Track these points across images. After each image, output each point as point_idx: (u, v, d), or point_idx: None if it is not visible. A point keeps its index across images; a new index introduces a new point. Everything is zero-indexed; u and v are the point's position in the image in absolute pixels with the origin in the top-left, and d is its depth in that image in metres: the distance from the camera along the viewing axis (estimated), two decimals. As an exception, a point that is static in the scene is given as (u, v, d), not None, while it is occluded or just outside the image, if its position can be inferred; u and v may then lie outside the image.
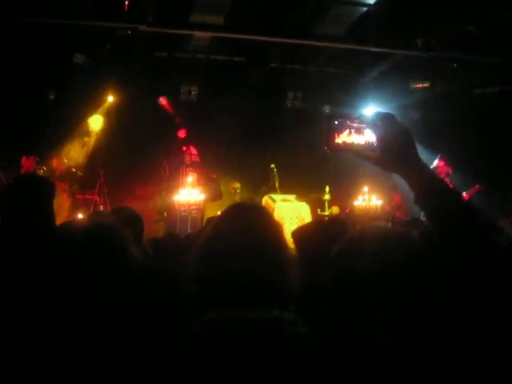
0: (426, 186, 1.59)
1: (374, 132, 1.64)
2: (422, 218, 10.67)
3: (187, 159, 11.93)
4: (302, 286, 2.18)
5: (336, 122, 1.68)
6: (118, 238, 1.66)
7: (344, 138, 1.67)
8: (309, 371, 0.96)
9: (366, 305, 1.50)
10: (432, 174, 1.62)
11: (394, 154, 1.61)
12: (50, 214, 2.57)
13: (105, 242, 1.61)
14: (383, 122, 1.63)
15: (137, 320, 1.67)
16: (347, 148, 1.68)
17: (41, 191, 2.65)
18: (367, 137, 1.67)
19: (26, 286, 1.62)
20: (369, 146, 1.66)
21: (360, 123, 1.67)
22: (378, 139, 1.63)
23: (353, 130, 1.67)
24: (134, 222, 3.33)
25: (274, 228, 2.19)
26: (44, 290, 1.54)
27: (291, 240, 3.99)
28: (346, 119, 1.69)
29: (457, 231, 1.53)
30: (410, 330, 1.49)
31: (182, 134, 12.81)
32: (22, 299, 1.61)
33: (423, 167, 1.61)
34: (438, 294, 1.59)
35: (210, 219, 3.51)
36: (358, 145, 1.67)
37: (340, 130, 1.67)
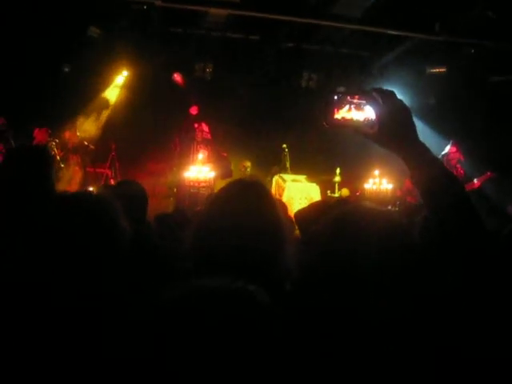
0: (422, 166, 1.58)
1: (373, 108, 1.63)
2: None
3: (198, 136, 11.91)
4: (300, 266, 2.19)
5: (336, 98, 1.67)
6: (107, 208, 1.67)
7: (343, 113, 1.66)
8: (264, 342, 0.96)
9: (353, 284, 1.50)
10: (429, 155, 1.61)
11: (392, 131, 1.60)
12: (48, 183, 2.60)
13: (91, 212, 1.62)
14: (383, 99, 1.62)
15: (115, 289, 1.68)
16: (346, 124, 1.66)
17: (36, 161, 2.67)
18: (367, 113, 1.65)
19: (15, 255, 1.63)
20: (368, 122, 1.65)
21: (360, 99, 1.66)
22: (377, 115, 1.62)
23: (353, 106, 1.66)
24: (137, 195, 3.33)
25: (271, 205, 2.19)
26: (29, 259, 1.56)
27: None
28: (345, 95, 1.68)
29: (449, 213, 1.54)
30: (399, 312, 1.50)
31: (194, 110, 12.78)
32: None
33: (420, 147, 1.60)
34: (427, 278, 1.59)
35: (211, 196, 3.52)
36: (357, 121, 1.66)
37: (339, 106, 1.66)
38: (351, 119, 1.66)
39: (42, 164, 2.66)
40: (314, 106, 12.99)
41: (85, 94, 12.17)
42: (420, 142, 1.61)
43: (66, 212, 1.60)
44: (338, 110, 1.67)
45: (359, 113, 1.67)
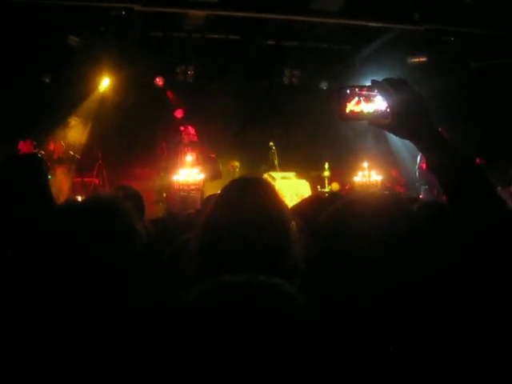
0: (437, 151, 1.57)
1: (386, 99, 1.61)
2: (422, 192, 10.72)
3: (185, 139, 11.83)
4: (306, 259, 2.18)
5: (347, 91, 1.66)
6: (121, 211, 1.63)
7: (352, 106, 1.65)
8: (301, 334, 0.94)
9: (360, 274, 1.49)
10: (442, 139, 1.59)
11: (405, 120, 1.58)
12: (46, 192, 2.56)
13: (107, 216, 1.58)
14: (394, 89, 1.60)
15: (136, 294, 1.65)
16: (356, 116, 1.66)
17: (34, 168, 2.64)
18: (377, 105, 1.64)
19: (28, 265, 1.60)
20: (378, 113, 1.64)
21: (369, 91, 1.65)
22: (390, 106, 1.61)
23: (362, 98, 1.65)
24: (135, 199, 3.31)
25: (276, 199, 2.19)
26: (46, 266, 1.52)
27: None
28: (355, 88, 1.67)
29: (470, 197, 1.52)
30: (409, 295, 1.48)
31: (178, 113, 12.76)
32: (23, 278, 1.59)
33: (434, 132, 1.59)
34: (436, 262, 1.58)
35: (209, 197, 3.51)
36: (368, 113, 1.65)
37: (349, 99, 1.66)
38: (361, 111, 1.65)
39: (38, 172, 2.62)
40: (298, 102, 13.10)
41: (67, 103, 12.09)
42: (433, 127, 1.59)
43: (77, 220, 1.55)
44: (347, 104, 1.66)
45: (369, 105, 1.65)
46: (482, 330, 1.47)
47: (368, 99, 1.65)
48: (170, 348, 0.93)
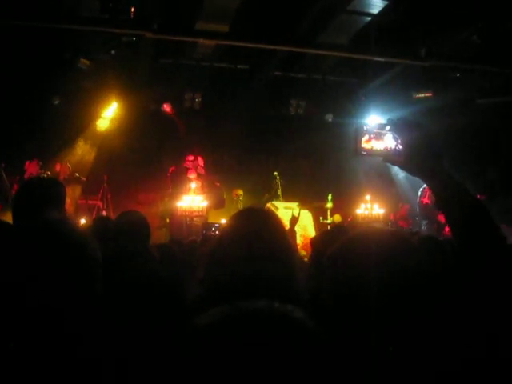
0: (447, 192, 1.63)
1: (399, 138, 1.67)
2: (423, 227, 10.72)
3: (192, 170, 11.87)
4: (310, 291, 2.22)
5: (364, 128, 1.72)
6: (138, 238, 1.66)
7: (363, 143, 1.72)
8: (316, 360, 0.98)
9: (366, 308, 1.51)
10: (453, 180, 1.65)
11: (417, 159, 1.64)
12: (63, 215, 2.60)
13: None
14: (408, 129, 1.66)
15: (141, 321, 1.67)
16: (369, 153, 1.72)
17: (54, 192, 2.68)
18: (386, 143, 1.70)
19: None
20: (389, 151, 1.70)
21: (381, 129, 1.71)
22: (402, 144, 1.67)
23: (372, 136, 1.71)
24: (142, 225, 3.35)
25: (280, 231, 2.22)
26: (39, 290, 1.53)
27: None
28: (369, 126, 1.73)
29: (474, 233, 1.58)
30: (415, 332, 1.51)
31: (188, 145, 12.81)
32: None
33: (445, 173, 1.65)
34: (439, 298, 1.62)
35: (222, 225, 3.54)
36: (379, 150, 1.71)
37: (363, 136, 1.72)
38: (371, 148, 1.71)
39: (57, 197, 2.67)
40: (303, 132, 13.19)
41: (75, 125, 12.20)
42: (443, 167, 1.65)
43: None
44: (362, 140, 1.72)
45: (378, 142, 1.71)
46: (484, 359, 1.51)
47: (378, 137, 1.71)
48: (184, 373, 0.96)
